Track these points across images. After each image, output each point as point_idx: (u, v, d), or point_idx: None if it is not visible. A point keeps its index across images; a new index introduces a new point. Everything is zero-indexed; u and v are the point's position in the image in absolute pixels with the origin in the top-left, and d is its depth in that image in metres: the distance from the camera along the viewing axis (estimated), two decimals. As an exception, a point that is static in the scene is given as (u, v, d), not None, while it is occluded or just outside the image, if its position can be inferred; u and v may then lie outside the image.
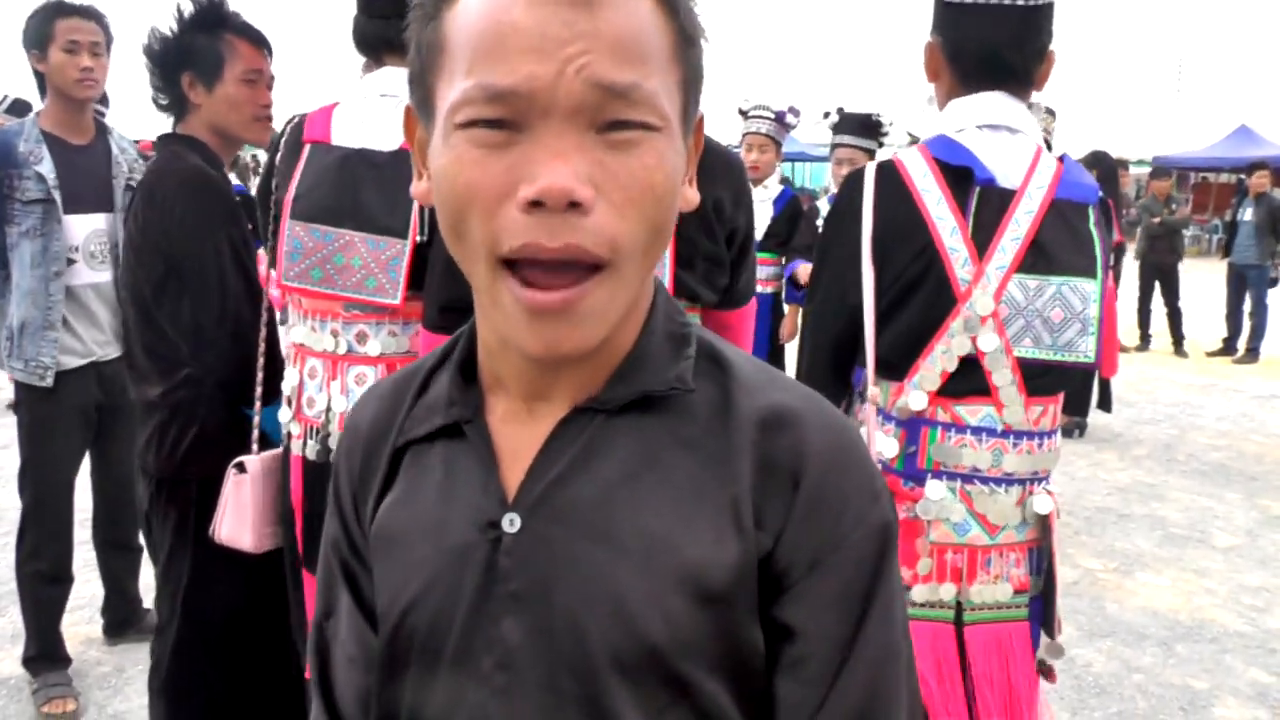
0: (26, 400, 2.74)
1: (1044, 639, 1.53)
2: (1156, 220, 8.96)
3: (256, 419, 2.00)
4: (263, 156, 1.90)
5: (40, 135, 2.67)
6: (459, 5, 0.61)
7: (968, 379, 1.45)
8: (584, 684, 0.64)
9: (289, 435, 1.78)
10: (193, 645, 2.12)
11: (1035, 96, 1.56)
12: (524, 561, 0.66)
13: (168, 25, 2.02)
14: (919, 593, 1.46)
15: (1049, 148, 3.38)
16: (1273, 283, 8.82)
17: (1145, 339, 9.08)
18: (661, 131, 0.61)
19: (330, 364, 1.71)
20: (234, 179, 2.49)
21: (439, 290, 1.58)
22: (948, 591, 1.47)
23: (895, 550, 0.69)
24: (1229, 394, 7.51)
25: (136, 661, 3.04)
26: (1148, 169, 11.71)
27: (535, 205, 0.58)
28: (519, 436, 0.69)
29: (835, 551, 0.66)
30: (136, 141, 3.08)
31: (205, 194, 1.99)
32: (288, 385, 1.78)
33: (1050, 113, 3.66)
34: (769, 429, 0.66)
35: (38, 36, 2.62)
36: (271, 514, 1.91)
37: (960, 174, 1.47)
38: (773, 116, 4.16)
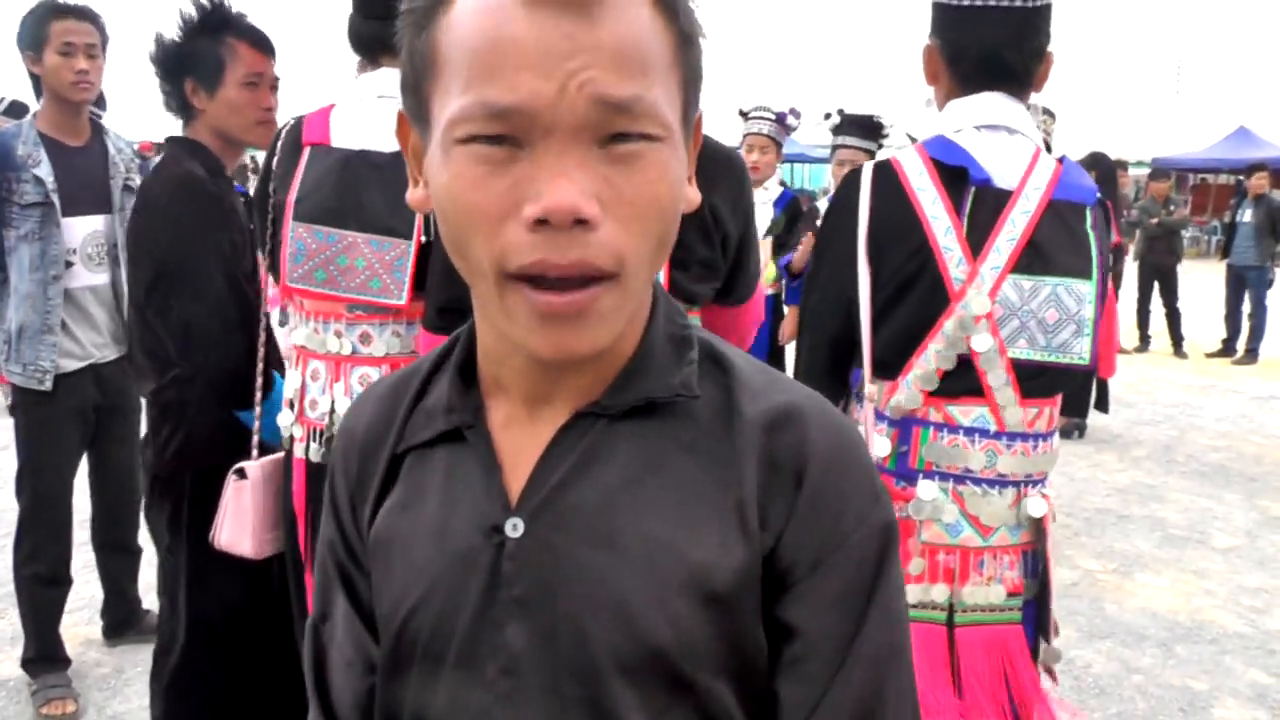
0: (24, 403, 2.74)
1: (1044, 645, 1.52)
2: (1155, 221, 8.97)
3: (257, 424, 2.02)
4: (260, 158, 1.90)
5: (38, 137, 2.66)
6: (452, 14, 0.60)
7: (961, 379, 1.45)
8: (588, 688, 0.64)
9: (291, 438, 1.77)
10: (192, 642, 2.13)
11: (1034, 98, 1.56)
12: (527, 566, 0.66)
13: (172, 31, 2.04)
14: (911, 593, 1.46)
15: (1048, 149, 3.38)
16: (1270, 284, 8.83)
17: (1144, 340, 9.08)
18: (664, 140, 0.60)
19: (333, 366, 1.71)
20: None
21: (438, 291, 1.58)
22: (940, 592, 1.47)
23: (896, 550, 0.69)
24: (1228, 395, 7.51)
25: (136, 663, 3.04)
26: (1147, 170, 11.71)
27: (541, 224, 0.57)
28: (520, 441, 0.69)
29: (837, 551, 0.66)
30: (135, 143, 3.08)
31: (194, 198, 2.01)
32: (289, 388, 1.78)
33: (1049, 114, 3.66)
34: (773, 429, 0.66)
35: (32, 38, 2.60)
36: (272, 520, 1.91)
37: (956, 174, 1.47)
38: (773, 118, 4.16)
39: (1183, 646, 3.37)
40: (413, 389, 0.76)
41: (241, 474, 1.89)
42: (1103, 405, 6.23)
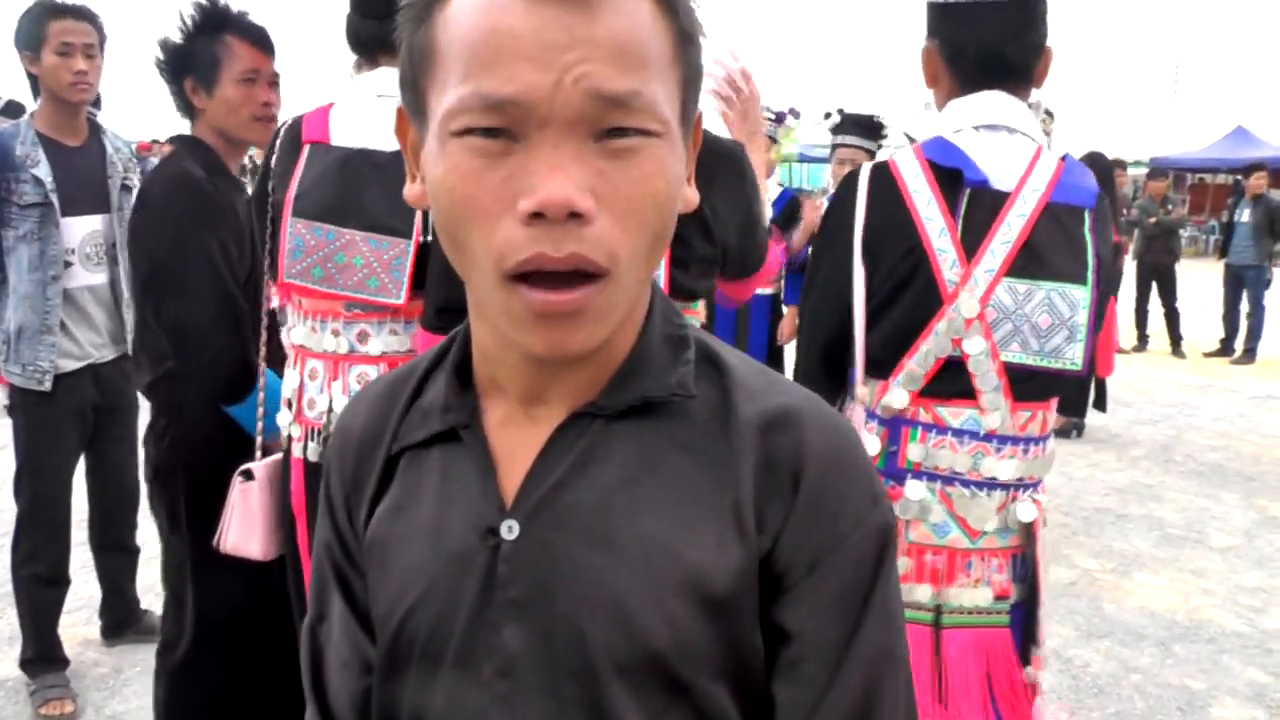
0: (22, 403, 2.73)
1: (1032, 650, 1.50)
2: (1153, 221, 8.97)
3: (260, 424, 2.02)
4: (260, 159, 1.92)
5: (36, 138, 2.65)
6: (451, 8, 0.60)
7: (953, 381, 1.45)
8: (585, 689, 0.64)
9: (289, 438, 1.77)
10: (196, 639, 2.16)
11: (1035, 95, 1.56)
12: (523, 568, 0.65)
13: (173, 33, 2.06)
14: None
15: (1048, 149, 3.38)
16: (1268, 284, 8.84)
17: (1143, 339, 9.09)
18: (661, 136, 0.60)
19: (331, 364, 1.71)
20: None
21: (436, 291, 1.57)
22: (924, 593, 1.46)
23: (894, 553, 0.69)
24: (1226, 394, 7.52)
25: (134, 663, 3.04)
26: (1145, 170, 11.72)
27: (536, 217, 0.57)
28: (516, 441, 0.69)
29: (834, 552, 0.65)
30: (133, 143, 3.08)
31: (189, 197, 2.04)
32: (287, 387, 1.78)
33: (1049, 114, 3.66)
34: (769, 431, 0.66)
35: (30, 38, 2.59)
36: (280, 520, 1.91)
37: (952, 176, 1.47)
38: (773, 117, 4.16)
39: (1181, 646, 3.38)
40: (409, 389, 0.76)
41: (248, 475, 1.89)
42: (1101, 405, 6.24)
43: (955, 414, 1.46)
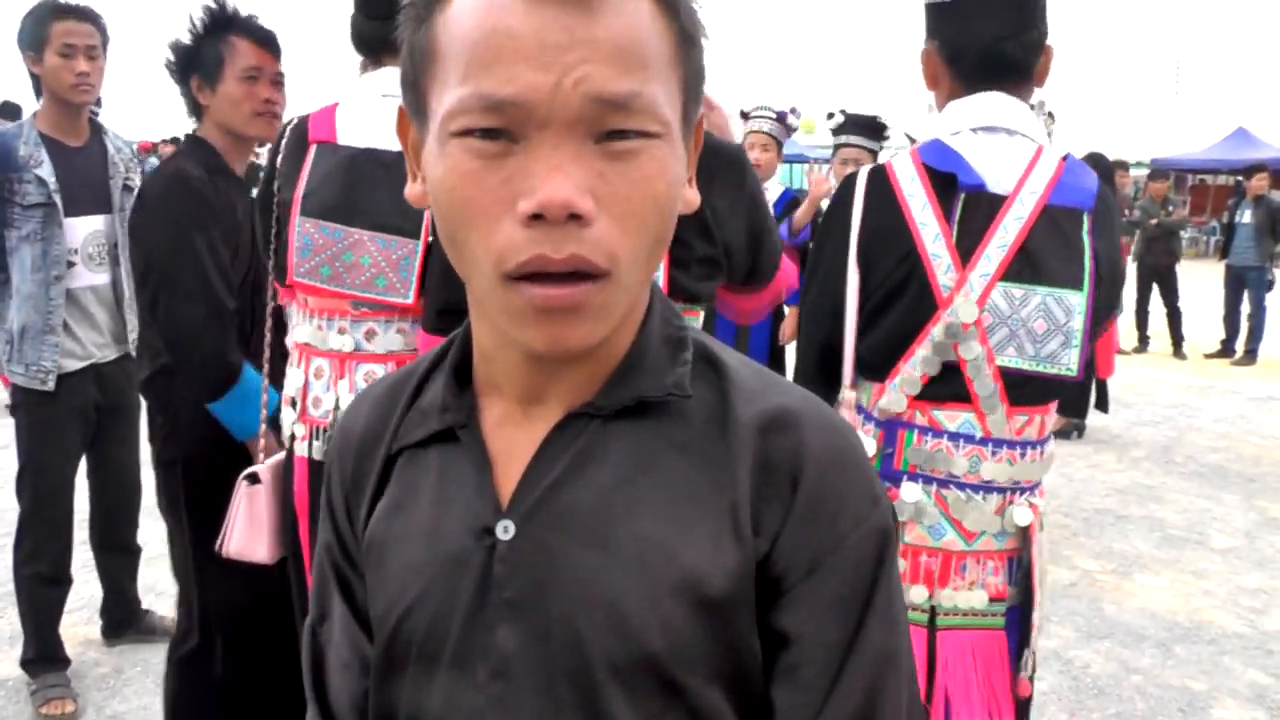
0: (25, 403, 2.73)
1: (1026, 652, 1.50)
2: (1154, 222, 8.97)
3: (264, 426, 2.04)
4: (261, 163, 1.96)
5: (39, 138, 2.66)
6: (452, 8, 0.60)
7: (949, 385, 1.45)
8: (581, 691, 0.64)
9: (293, 437, 1.78)
10: (205, 634, 2.21)
11: (1037, 95, 1.56)
12: (519, 569, 0.65)
13: (182, 35, 2.12)
14: None
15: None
16: (1270, 285, 8.83)
17: (1143, 340, 9.09)
18: (662, 138, 0.60)
19: (338, 363, 1.71)
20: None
21: (437, 293, 1.58)
22: (919, 594, 1.47)
23: (895, 554, 0.68)
24: (1227, 396, 7.52)
25: (135, 663, 3.04)
26: (1146, 171, 11.72)
27: (535, 218, 0.57)
28: (514, 440, 0.69)
29: (833, 554, 0.65)
30: (134, 143, 3.08)
31: (184, 195, 2.08)
32: (291, 386, 1.78)
33: (1050, 115, 3.67)
34: (768, 432, 0.66)
35: (33, 39, 2.59)
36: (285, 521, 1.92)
37: (948, 180, 1.47)
38: (774, 116, 4.17)
39: (1181, 647, 3.38)
40: (409, 389, 0.76)
41: (254, 479, 1.89)
42: (1102, 405, 6.24)
43: (951, 417, 1.46)
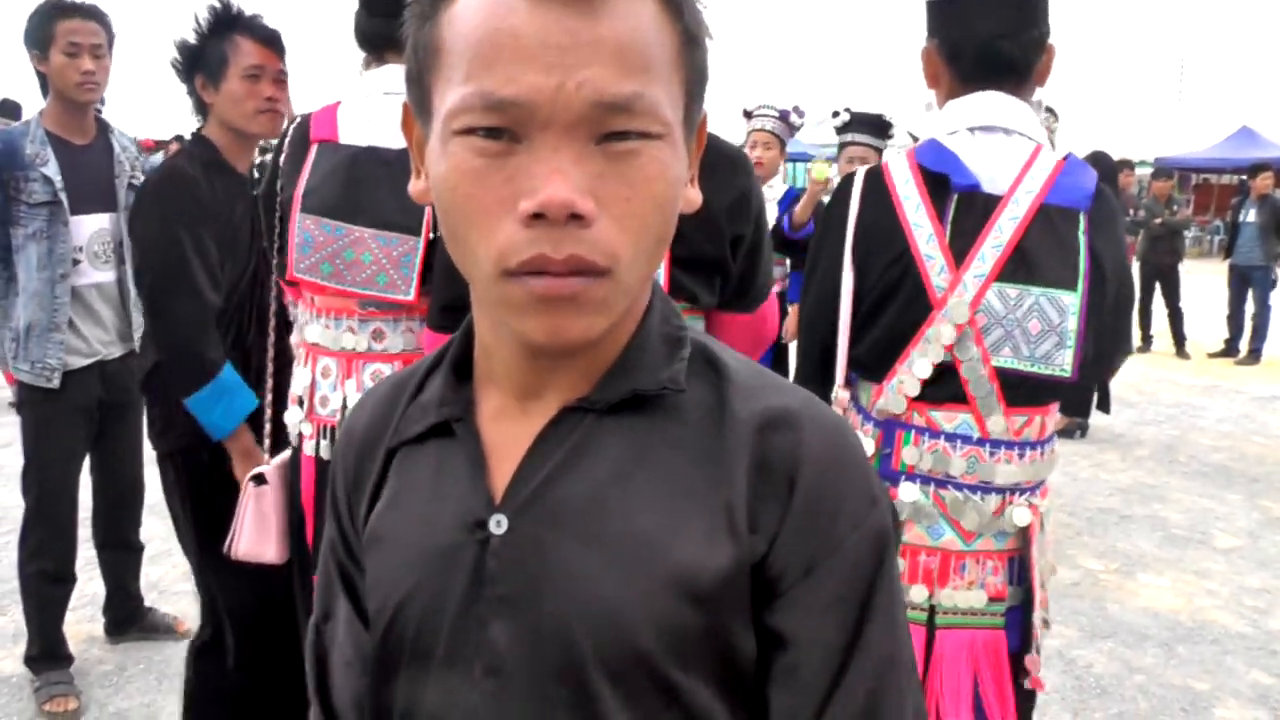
0: (29, 400, 2.74)
1: (1034, 659, 1.50)
2: (1158, 221, 8.96)
3: (269, 426, 2.05)
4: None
5: (45, 136, 2.66)
6: (457, 7, 0.60)
7: (945, 386, 1.45)
8: (573, 688, 0.64)
9: (300, 435, 1.78)
10: (211, 625, 2.26)
11: (1038, 94, 1.55)
12: (511, 564, 0.65)
13: (188, 34, 2.15)
14: None
15: (1052, 148, 3.37)
16: (1274, 284, 8.82)
17: (1147, 340, 9.07)
18: (663, 139, 0.60)
19: (345, 362, 1.71)
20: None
21: (441, 290, 1.58)
22: (918, 593, 1.47)
23: (894, 556, 0.68)
24: (1230, 395, 7.51)
25: (138, 660, 3.04)
26: (1150, 170, 11.70)
27: (536, 218, 0.57)
28: (510, 434, 0.69)
29: (831, 556, 0.64)
30: (137, 140, 3.09)
31: (171, 191, 2.12)
32: (298, 385, 1.79)
33: (1052, 113, 3.66)
34: (765, 431, 0.65)
35: (38, 37, 2.60)
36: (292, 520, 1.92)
37: (941, 180, 1.47)
38: (777, 115, 4.17)
39: (1184, 647, 3.37)
40: (411, 387, 0.76)
41: (260, 479, 1.90)
42: (1104, 405, 6.23)
43: (949, 418, 1.46)
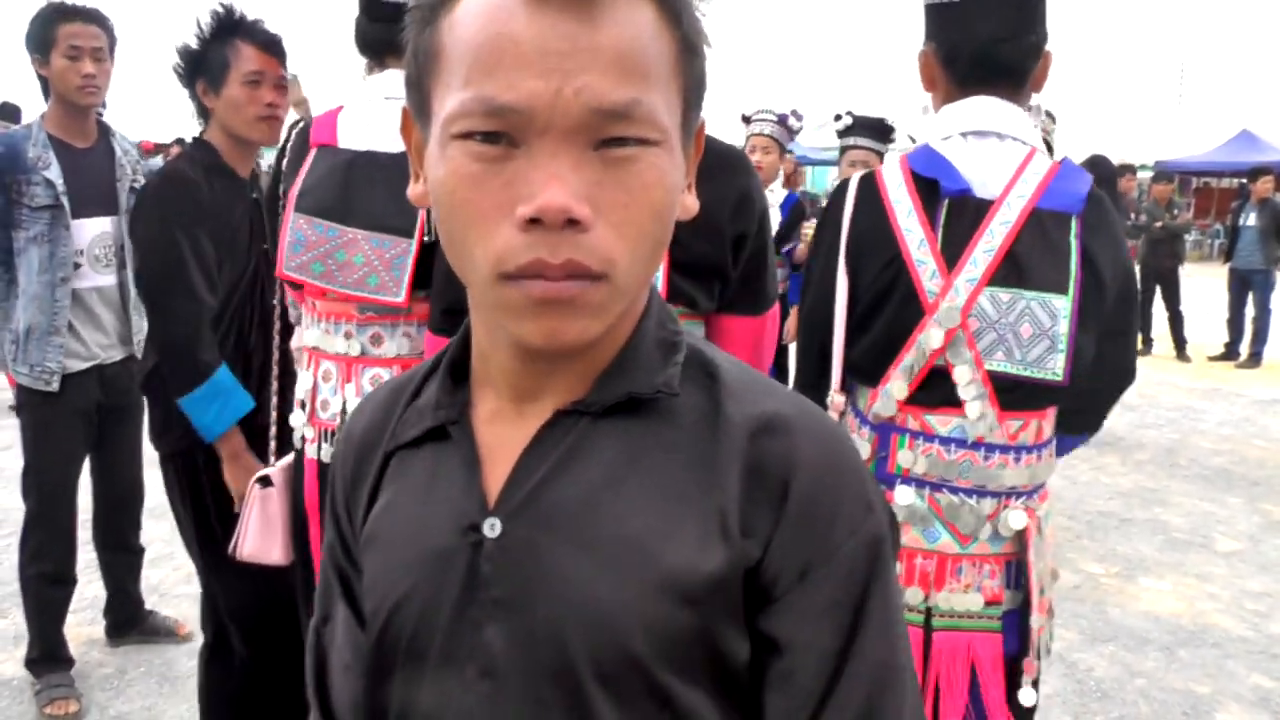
0: (28, 403, 2.74)
1: (1031, 663, 1.50)
2: (1158, 225, 8.96)
3: (274, 430, 2.06)
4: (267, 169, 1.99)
5: (48, 139, 2.67)
6: (457, 12, 0.60)
7: (939, 390, 1.45)
8: (566, 691, 0.64)
9: (302, 439, 1.79)
10: (214, 620, 2.28)
11: (1035, 99, 1.56)
12: (505, 567, 0.65)
13: (190, 39, 2.16)
14: None
15: (1050, 151, 3.37)
16: (1274, 288, 8.82)
17: (1147, 343, 9.07)
18: (660, 145, 0.60)
19: (344, 366, 1.72)
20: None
21: (442, 293, 1.58)
22: (914, 596, 1.47)
23: (891, 562, 0.67)
24: (1231, 399, 7.51)
25: (139, 663, 3.04)
26: (1150, 173, 11.70)
27: (534, 223, 0.57)
28: (505, 437, 0.69)
29: (826, 561, 0.64)
30: (137, 143, 3.10)
31: (170, 193, 2.13)
32: (301, 389, 1.80)
33: (1051, 117, 3.66)
34: (759, 436, 0.65)
35: (39, 41, 2.60)
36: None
37: (934, 185, 1.47)
38: (775, 119, 4.17)
39: (1185, 650, 3.37)
40: (409, 390, 0.76)
41: (266, 481, 1.91)
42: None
43: (943, 421, 1.46)
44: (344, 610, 0.78)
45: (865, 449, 1.50)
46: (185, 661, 3.02)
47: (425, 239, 1.62)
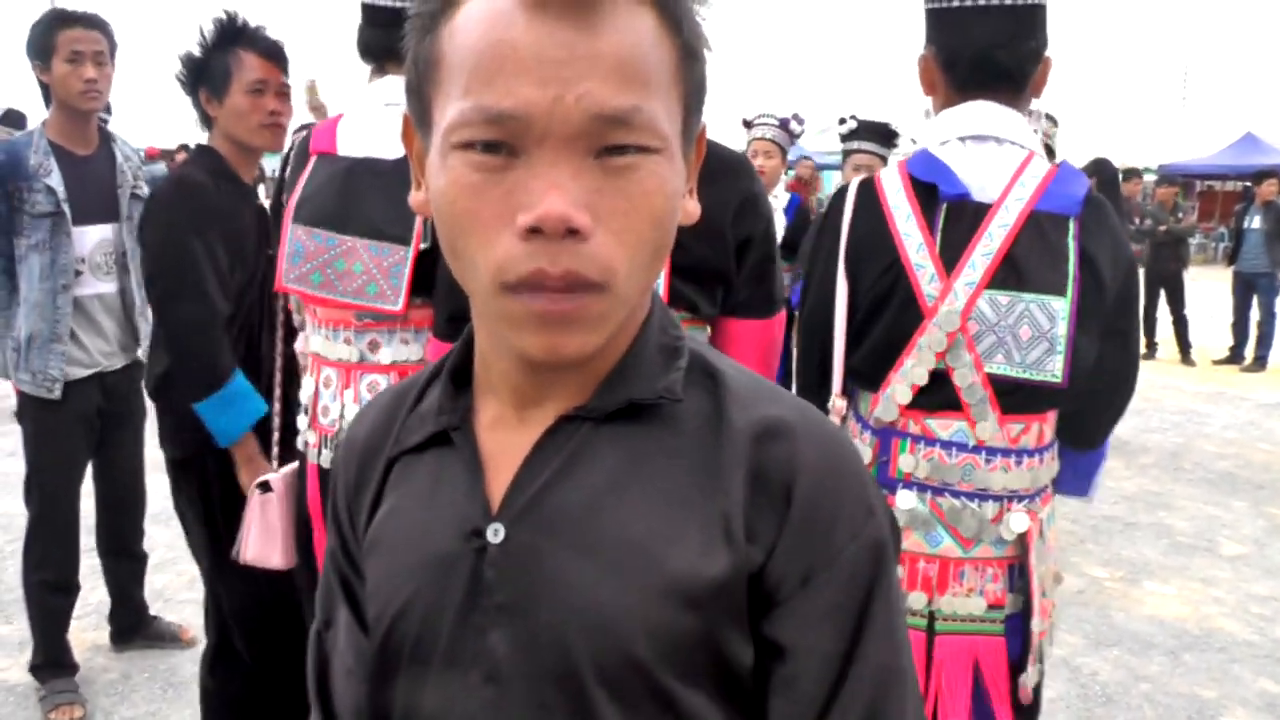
0: (30, 410, 2.74)
1: (1032, 666, 1.50)
2: (1162, 228, 8.95)
3: (276, 435, 2.06)
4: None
5: (49, 147, 2.67)
6: (457, 20, 0.60)
7: (939, 393, 1.45)
8: (570, 696, 0.64)
9: (306, 444, 1.80)
10: (218, 625, 2.28)
11: (1035, 104, 1.56)
12: (508, 573, 0.65)
13: (193, 47, 2.17)
14: None
15: (1051, 155, 3.37)
16: (1277, 291, 8.79)
17: (1151, 347, 9.06)
18: (661, 153, 0.60)
19: (343, 373, 1.72)
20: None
21: (446, 299, 1.58)
22: (917, 600, 1.47)
23: (893, 566, 0.67)
24: (1236, 402, 7.49)
25: (143, 669, 3.05)
26: (1154, 177, 11.68)
27: (534, 232, 0.57)
28: (508, 443, 0.69)
29: (828, 566, 0.64)
30: (142, 149, 3.11)
31: (182, 198, 2.14)
32: (304, 395, 1.81)
33: (1053, 120, 3.66)
34: (761, 441, 0.65)
35: (40, 47, 2.60)
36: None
37: (932, 190, 1.48)
38: (777, 123, 4.17)
39: (1191, 655, 3.36)
40: (411, 396, 0.77)
41: (266, 487, 1.92)
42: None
43: (944, 425, 1.46)
44: (346, 615, 0.78)
45: (867, 454, 1.50)
46: (189, 667, 3.02)
47: (422, 246, 1.63)
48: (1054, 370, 1.43)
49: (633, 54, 0.59)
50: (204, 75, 2.17)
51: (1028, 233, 1.43)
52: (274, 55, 2.19)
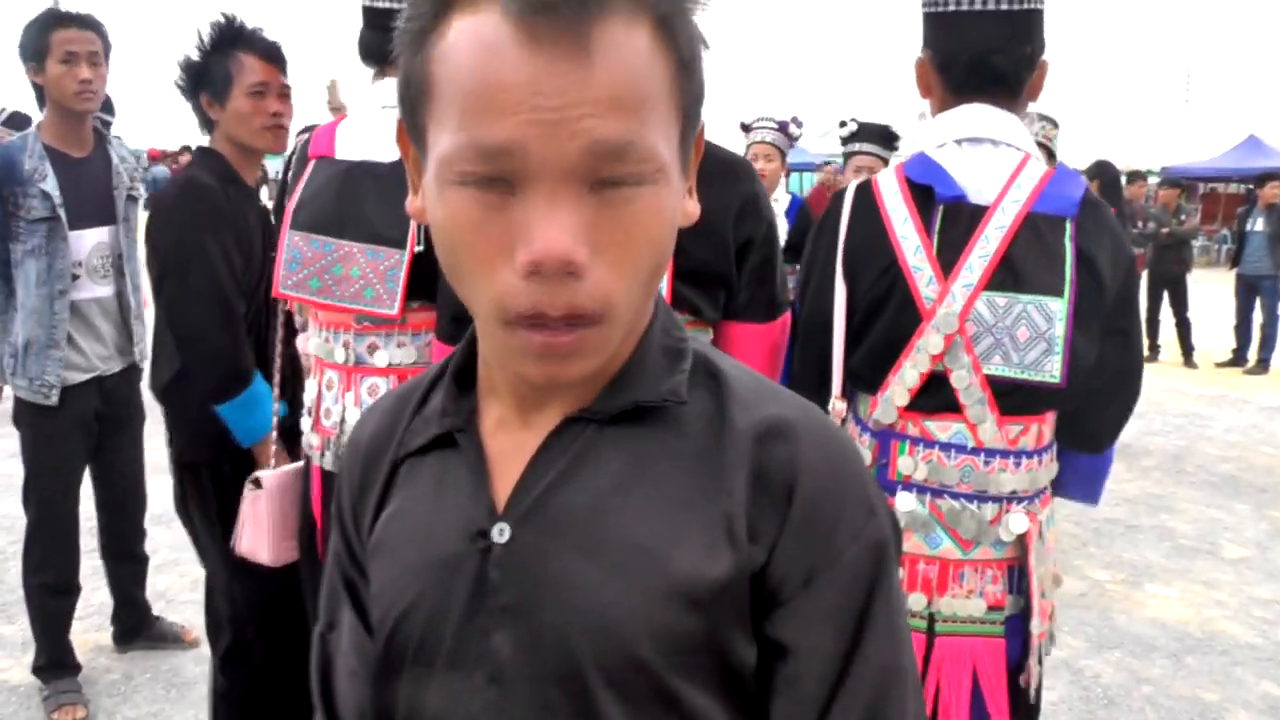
0: (26, 416, 2.73)
1: (1032, 668, 1.50)
2: (1165, 231, 8.93)
3: (275, 433, 2.06)
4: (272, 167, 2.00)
5: (44, 150, 2.63)
6: (446, 43, 0.59)
7: (938, 395, 1.45)
8: (574, 697, 0.64)
9: (309, 446, 1.80)
10: (234, 623, 2.29)
11: (1033, 107, 1.56)
12: (513, 574, 0.66)
13: (191, 52, 2.18)
14: None
15: (1052, 157, 3.37)
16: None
17: (1154, 350, 9.04)
18: (658, 180, 0.60)
19: (344, 375, 1.73)
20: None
21: (450, 301, 1.58)
22: (917, 601, 1.47)
23: (894, 566, 0.68)
24: (1238, 405, 7.47)
25: (145, 669, 3.05)
26: (1156, 179, 11.67)
27: (533, 270, 0.57)
28: (512, 444, 0.69)
29: (830, 566, 0.65)
30: (143, 150, 3.11)
31: (192, 200, 2.14)
32: (308, 396, 1.82)
33: (1052, 122, 3.65)
34: (763, 441, 0.66)
35: (34, 49, 2.58)
36: (289, 529, 1.94)
37: (929, 192, 1.48)
38: (776, 126, 4.17)
39: (1193, 657, 3.35)
40: (415, 398, 0.77)
41: (257, 483, 1.92)
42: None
43: (943, 428, 1.46)
44: (350, 617, 0.79)
45: (866, 456, 1.50)
46: (192, 667, 3.02)
47: (418, 249, 1.63)
48: (1052, 371, 1.43)
49: (628, 80, 0.58)
50: (204, 79, 2.17)
51: (1024, 234, 1.44)
52: (273, 57, 2.19)
